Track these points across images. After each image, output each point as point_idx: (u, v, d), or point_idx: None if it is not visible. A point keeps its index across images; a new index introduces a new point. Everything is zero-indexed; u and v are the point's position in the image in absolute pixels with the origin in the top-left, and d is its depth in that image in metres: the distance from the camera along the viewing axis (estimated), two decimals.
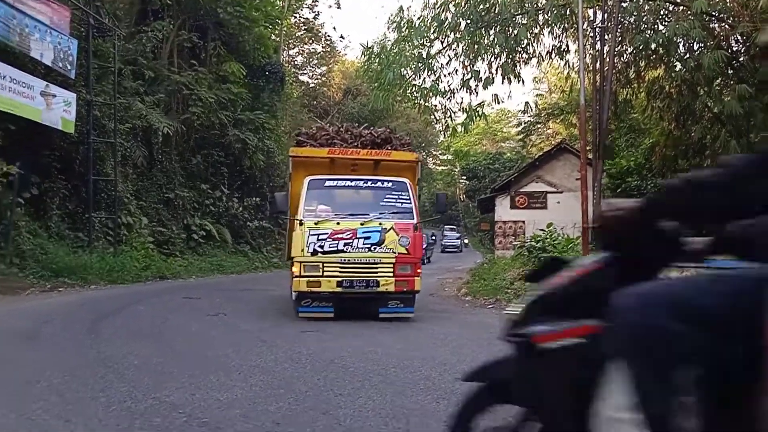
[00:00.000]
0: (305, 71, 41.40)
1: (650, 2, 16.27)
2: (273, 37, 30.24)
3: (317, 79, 41.70)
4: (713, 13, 15.47)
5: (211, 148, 24.06)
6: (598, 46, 16.87)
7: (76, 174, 16.86)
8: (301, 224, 9.17)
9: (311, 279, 9.08)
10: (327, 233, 9.10)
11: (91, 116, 16.83)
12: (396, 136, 11.66)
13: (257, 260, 24.25)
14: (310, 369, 5.63)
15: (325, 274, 9.10)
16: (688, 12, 15.00)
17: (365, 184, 9.97)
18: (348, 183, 9.99)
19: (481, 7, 17.28)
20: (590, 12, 17.17)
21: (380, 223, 9.26)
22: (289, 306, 11.61)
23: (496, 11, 17.12)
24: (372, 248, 9.14)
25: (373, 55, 18.96)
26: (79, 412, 4.07)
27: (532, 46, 18.11)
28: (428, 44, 18.30)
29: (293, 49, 39.98)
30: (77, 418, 3.94)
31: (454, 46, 18.10)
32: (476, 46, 17.56)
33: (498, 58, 17.68)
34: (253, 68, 25.93)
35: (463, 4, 17.61)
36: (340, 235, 9.11)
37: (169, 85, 21.70)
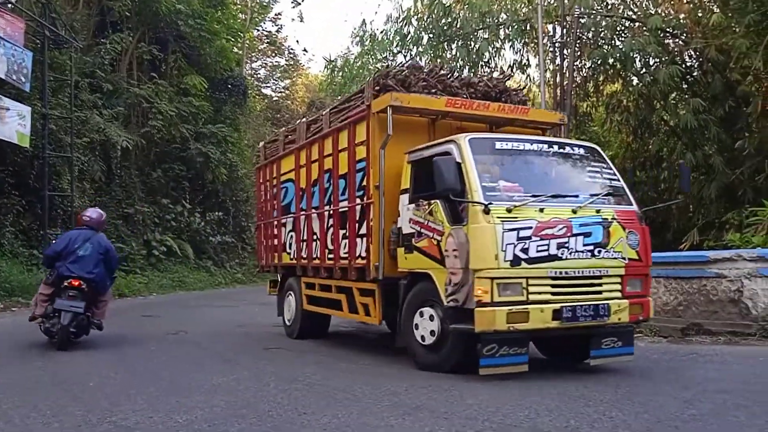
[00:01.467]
0: (268, 84, 41.24)
1: (607, 18, 16.71)
2: (235, 50, 30.04)
3: (280, 92, 41.56)
4: (668, 30, 15.97)
5: (172, 162, 23.67)
6: (558, 61, 17.22)
7: (30, 189, 16.35)
8: (487, 212, 5.54)
9: (516, 308, 5.45)
10: (530, 227, 5.59)
11: (47, 130, 16.38)
12: (512, 90, 8.19)
13: (220, 276, 23.88)
14: (274, 387, 5.51)
15: (532, 298, 5.57)
16: (644, 28, 15.48)
17: (551, 149, 6.55)
18: (528, 146, 6.41)
19: (443, 21, 17.54)
20: (550, 27, 17.54)
21: (598, 211, 5.95)
22: (253, 323, 11.43)
23: (458, 26, 17.39)
24: (596, 252, 5.80)
25: (336, 69, 19.03)
26: None
27: (494, 60, 18.47)
28: (391, 58, 18.44)
29: (256, 62, 39.79)
30: None
31: (416, 60, 18.26)
32: (439, 60, 17.76)
33: (460, 72, 17.92)
34: (215, 81, 25.69)
35: (425, 18, 17.85)
36: (549, 231, 5.67)
37: (129, 98, 21.31)
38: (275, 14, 37.27)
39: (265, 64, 40.66)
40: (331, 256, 7.82)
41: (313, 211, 8.36)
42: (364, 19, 17.90)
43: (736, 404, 4.64)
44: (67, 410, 4.62)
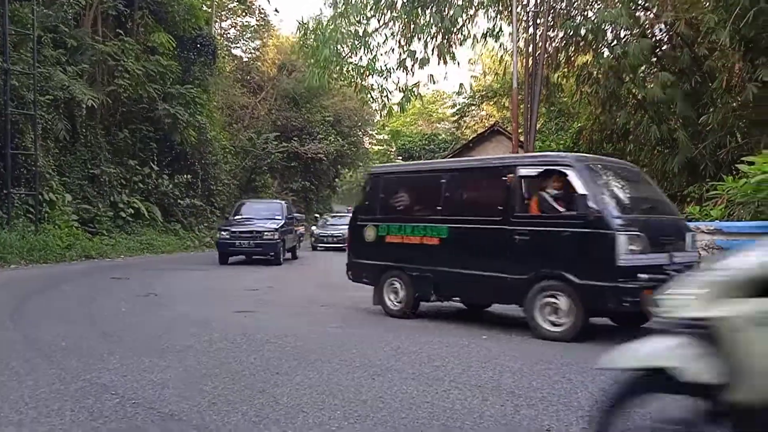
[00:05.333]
0: (238, 45, 40.29)
1: None
2: (204, 7, 29.22)
3: (251, 53, 40.66)
4: (639, 2, 16.08)
5: (140, 123, 23.14)
6: (530, 31, 17.25)
7: None
8: None
9: None
10: None
11: (8, 86, 15.87)
12: None
13: (188, 239, 23.68)
14: (246, 349, 5.61)
15: None
16: (616, 0, 15.56)
17: None
18: None
19: None
20: None
21: None
22: (222, 287, 11.48)
23: None
24: None
25: (308, 31, 18.71)
26: (4, 396, 3.94)
27: (467, 27, 18.37)
28: (365, 22, 18.22)
29: (225, 21, 38.80)
30: (3, 402, 3.82)
31: (390, 25, 18.12)
32: (412, 26, 17.63)
33: (434, 39, 17.84)
34: (184, 40, 25.01)
35: None
36: None
37: (93, 55, 20.66)
38: None
39: (235, 23, 39.69)
40: None
41: None
42: None
43: None
44: (41, 369, 4.67)
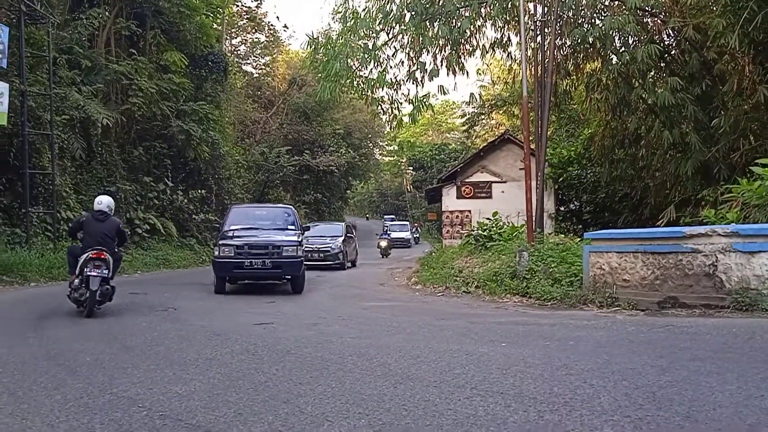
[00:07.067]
0: (249, 61, 40.84)
1: None
2: (215, 26, 29.67)
3: (261, 69, 41.17)
4: (646, 9, 16.14)
5: (154, 140, 23.49)
6: (538, 39, 17.32)
7: (10, 167, 16.19)
8: None
9: None
10: None
11: (25, 107, 16.16)
12: None
13: (204, 253, 23.87)
14: (267, 360, 5.67)
15: None
16: (623, 7, 15.62)
17: None
18: None
19: None
20: (531, 6, 17.60)
21: None
22: (240, 299, 11.54)
23: (440, 4, 17.36)
24: None
25: (318, 46, 18.90)
26: (34, 411, 4.02)
27: (476, 38, 18.52)
28: (374, 36, 18.39)
29: (236, 38, 39.36)
30: (34, 417, 3.89)
31: (399, 38, 18.29)
32: (421, 38, 17.77)
33: (443, 50, 17.99)
34: (195, 58, 25.41)
35: None
36: None
37: (108, 75, 21.02)
38: None
39: (245, 40, 40.24)
40: None
41: None
42: None
43: (708, 371, 4.89)
44: (67, 383, 4.75)
